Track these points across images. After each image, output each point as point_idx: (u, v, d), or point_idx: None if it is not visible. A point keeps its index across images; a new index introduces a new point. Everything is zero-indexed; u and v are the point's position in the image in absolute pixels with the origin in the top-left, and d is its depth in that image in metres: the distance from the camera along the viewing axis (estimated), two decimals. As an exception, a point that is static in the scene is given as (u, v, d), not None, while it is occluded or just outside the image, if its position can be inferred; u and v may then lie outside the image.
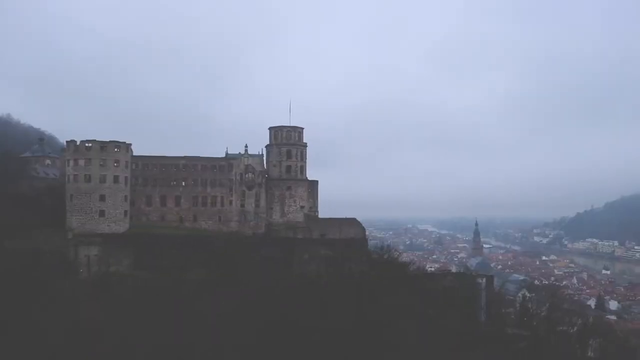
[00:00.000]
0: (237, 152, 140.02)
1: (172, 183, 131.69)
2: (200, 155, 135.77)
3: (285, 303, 70.69)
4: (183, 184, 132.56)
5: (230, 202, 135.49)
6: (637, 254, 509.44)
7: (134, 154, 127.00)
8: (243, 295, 73.20)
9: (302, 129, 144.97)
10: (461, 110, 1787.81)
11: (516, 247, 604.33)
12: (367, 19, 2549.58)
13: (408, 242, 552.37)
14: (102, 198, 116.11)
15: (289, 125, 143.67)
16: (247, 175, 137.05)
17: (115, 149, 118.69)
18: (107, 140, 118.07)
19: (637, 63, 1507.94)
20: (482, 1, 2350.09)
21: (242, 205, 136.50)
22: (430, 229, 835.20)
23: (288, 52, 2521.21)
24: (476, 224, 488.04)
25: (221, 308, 66.94)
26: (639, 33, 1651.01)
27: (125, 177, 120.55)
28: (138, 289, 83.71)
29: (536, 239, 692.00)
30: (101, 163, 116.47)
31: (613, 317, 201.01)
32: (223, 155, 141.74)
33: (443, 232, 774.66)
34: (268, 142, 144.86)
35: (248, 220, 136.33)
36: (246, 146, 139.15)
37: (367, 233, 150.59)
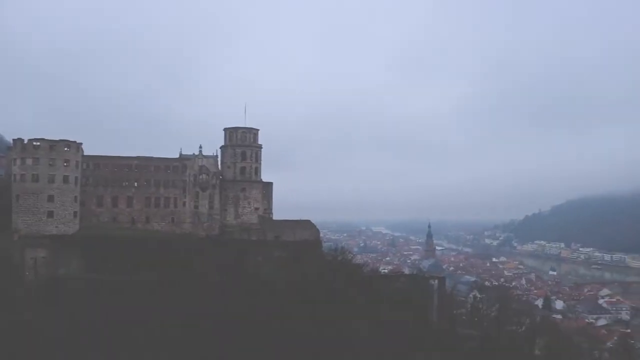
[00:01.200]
0: (191, 153, 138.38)
1: (124, 184, 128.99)
2: (154, 156, 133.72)
3: (239, 305, 70.21)
4: (135, 184, 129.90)
5: (184, 204, 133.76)
6: (582, 256, 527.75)
7: (85, 153, 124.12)
8: (196, 297, 72.36)
9: (258, 130, 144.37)
10: (417, 114, 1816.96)
11: (468, 249, 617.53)
12: (328, 22, 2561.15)
13: (362, 244, 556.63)
14: (51, 198, 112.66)
15: (244, 126, 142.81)
16: (201, 177, 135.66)
17: (65, 149, 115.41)
18: (57, 139, 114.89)
19: (588, 69, 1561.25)
20: (443, 7, 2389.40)
21: (196, 207, 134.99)
22: (384, 231, 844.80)
23: (247, 53, 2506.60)
24: (429, 226, 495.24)
25: (174, 310, 66.03)
26: (592, 40, 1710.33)
27: (76, 177, 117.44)
28: (88, 292, 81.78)
29: (487, 241, 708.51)
30: (50, 163, 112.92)
31: (559, 317, 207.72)
32: (177, 155, 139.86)
33: (396, 234, 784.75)
34: (223, 143, 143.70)
35: (201, 222, 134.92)
36: (200, 147, 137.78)
37: (321, 235, 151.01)
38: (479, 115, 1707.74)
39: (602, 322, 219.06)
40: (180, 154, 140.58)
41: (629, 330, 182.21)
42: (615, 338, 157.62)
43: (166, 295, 74.07)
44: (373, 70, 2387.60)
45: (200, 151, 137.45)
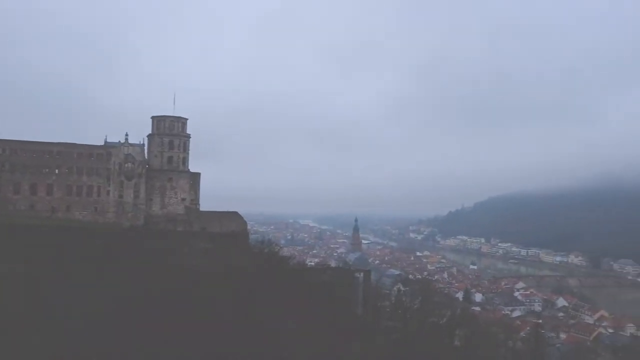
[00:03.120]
0: (117, 141, 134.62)
1: (44, 170, 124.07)
2: (77, 142, 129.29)
3: (163, 296, 69.00)
4: (56, 171, 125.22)
5: (108, 193, 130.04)
6: (501, 251, 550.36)
7: (2, 137, 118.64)
8: (119, 289, 70.56)
9: (186, 119, 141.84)
10: (347, 107, 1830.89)
11: (393, 243, 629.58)
12: (259, 12, 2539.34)
13: (289, 237, 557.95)
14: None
15: (172, 115, 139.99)
16: (126, 165, 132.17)
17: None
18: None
19: (515, 73, 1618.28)
20: (380, 2, 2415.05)
21: (120, 196, 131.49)
22: (311, 224, 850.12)
23: (176, 41, 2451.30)
24: (356, 220, 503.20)
25: (95, 302, 64.14)
26: (518, 45, 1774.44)
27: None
28: (1, 284, 78.08)
29: (412, 235, 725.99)
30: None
31: (478, 309, 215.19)
32: (102, 143, 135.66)
33: (324, 227, 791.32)
34: (150, 132, 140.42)
35: (126, 212, 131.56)
36: (127, 135, 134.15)
37: (248, 227, 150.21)
38: (408, 112, 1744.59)
39: (517, 313, 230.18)
40: (105, 142, 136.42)
41: (540, 321, 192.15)
42: (528, 328, 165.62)
43: (87, 287, 71.83)
44: (305, 62, 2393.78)
45: (127, 139, 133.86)
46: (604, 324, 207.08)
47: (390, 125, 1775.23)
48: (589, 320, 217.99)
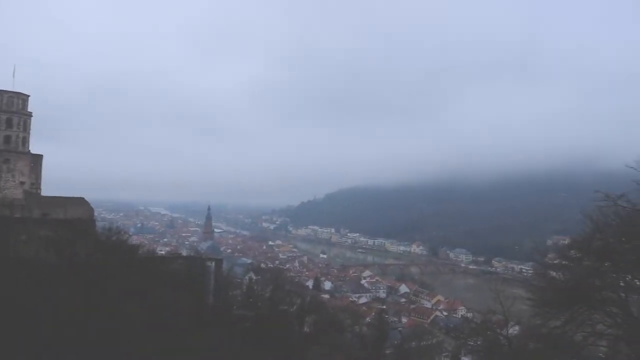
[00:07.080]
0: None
1: None
2: None
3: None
4: None
5: None
6: (349, 240, 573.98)
7: None
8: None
9: (28, 96, 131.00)
10: (213, 91, 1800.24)
11: (245, 232, 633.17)
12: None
13: (139, 225, 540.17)
14: None
15: (11, 90, 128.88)
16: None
17: None
18: None
19: (382, 68, 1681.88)
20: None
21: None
22: (162, 211, 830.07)
23: (19, 9, 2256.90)
24: (209, 209, 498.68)
25: None
26: (384, 39, 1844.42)
27: None
28: None
29: (264, 224, 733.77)
30: None
31: (327, 296, 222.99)
32: None
33: (175, 215, 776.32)
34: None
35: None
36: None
37: (95, 214, 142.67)
38: (273, 101, 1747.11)
39: (363, 299, 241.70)
40: None
41: (384, 307, 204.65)
42: (373, 313, 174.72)
43: None
44: (170, 42, 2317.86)
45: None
46: (440, 307, 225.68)
47: (254, 113, 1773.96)
48: (428, 304, 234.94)
